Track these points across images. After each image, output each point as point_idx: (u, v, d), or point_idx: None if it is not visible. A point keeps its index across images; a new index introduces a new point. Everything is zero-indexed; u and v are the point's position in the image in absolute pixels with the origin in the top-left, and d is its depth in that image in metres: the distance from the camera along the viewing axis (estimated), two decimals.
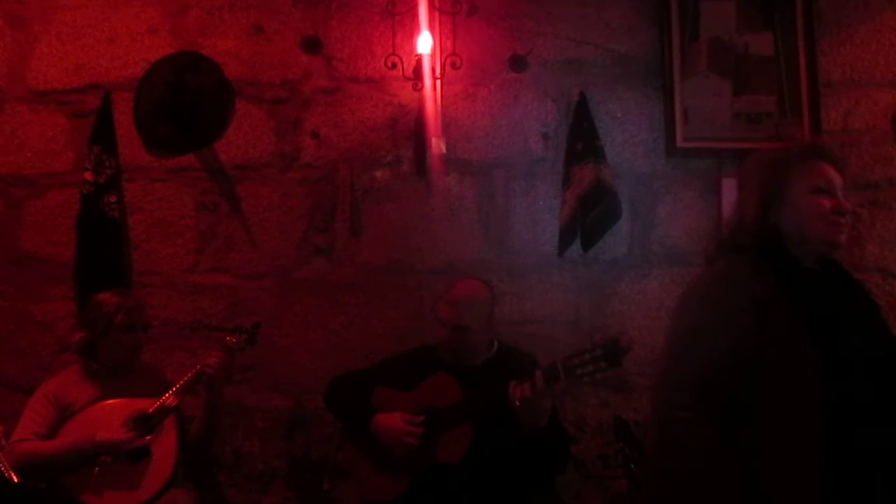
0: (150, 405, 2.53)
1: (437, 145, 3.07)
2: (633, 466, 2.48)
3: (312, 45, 3.16)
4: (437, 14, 3.07)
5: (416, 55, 3.02)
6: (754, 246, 1.71)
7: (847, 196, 1.73)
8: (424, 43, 2.99)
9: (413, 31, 3.05)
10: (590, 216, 2.95)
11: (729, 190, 3.11)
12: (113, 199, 3.04)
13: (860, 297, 1.74)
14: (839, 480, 1.51)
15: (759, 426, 1.59)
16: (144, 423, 2.50)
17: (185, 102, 3.09)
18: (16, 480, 2.16)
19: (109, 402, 2.56)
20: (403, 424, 2.44)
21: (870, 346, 1.62)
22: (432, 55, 3.03)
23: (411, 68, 3.04)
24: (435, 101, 3.07)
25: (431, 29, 3.02)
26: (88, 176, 3.02)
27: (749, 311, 1.61)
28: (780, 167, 1.75)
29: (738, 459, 1.58)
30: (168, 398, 2.54)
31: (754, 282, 1.64)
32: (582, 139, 3.02)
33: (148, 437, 2.49)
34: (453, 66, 3.06)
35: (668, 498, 1.63)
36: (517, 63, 3.13)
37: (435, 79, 3.05)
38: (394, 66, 3.06)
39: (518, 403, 2.26)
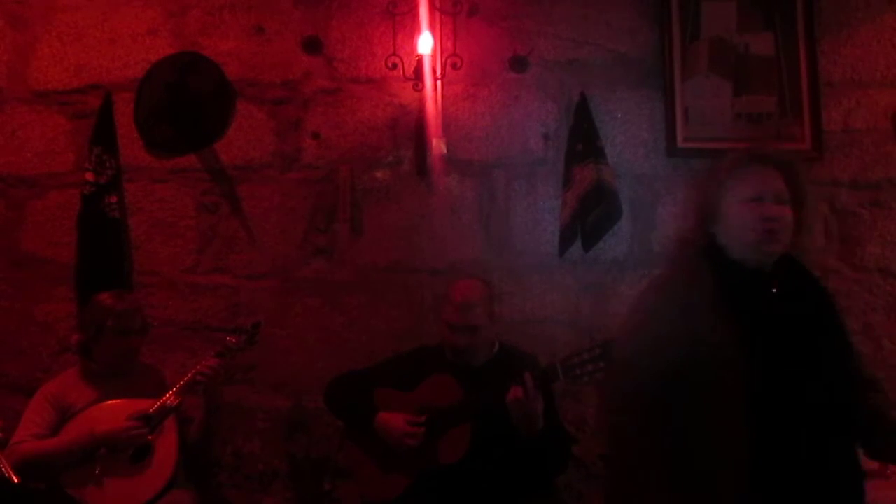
0: (151, 406, 2.53)
1: (437, 146, 3.07)
2: None
3: (313, 45, 3.16)
4: (437, 14, 3.07)
5: (417, 55, 3.02)
6: (697, 254, 1.76)
7: (799, 197, 1.75)
8: (425, 43, 2.99)
9: (414, 31, 3.05)
10: (590, 216, 2.94)
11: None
12: (114, 199, 3.04)
13: (806, 296, 1.77)
14: (764, 479, 1.57)
15: (692, 427, 1.64)
16: (146, 423, 2.50)
17: (185, 103, 3.09)
18: (16, 481, 2.16)
19: (110, 402, 2.56)
20: (405, 425, 2.45)
21: (799, 348, 1.66)
22: (433, 55, 3.03)
23: (412, 69, 3.04)
24: (435, 101, 3.07)
25: (432, 29, 3.02)
26: (89, 176, 3.02)
27: (683, 319, 1.66)
28: (714, 179, 1.79)
29: (675, 457, 1.64)
30: (169, 398, 2.54)
31: (690, 289, 1.70)
32: (582, 139, 3.02)
33: (149, 436, 2.49)
34: (454, 66, 3.06)
35: (620, 493, 1.74)
36: (518, 63, 3.13)
37: (435, 79, 3.05)
38: (394, 66, 3.06)
39: (510, 405, 2.27)
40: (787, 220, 1.72)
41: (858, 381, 1.72)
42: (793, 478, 1.61)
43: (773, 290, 1.72)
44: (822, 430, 1.64)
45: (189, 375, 2.60)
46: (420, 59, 3.01)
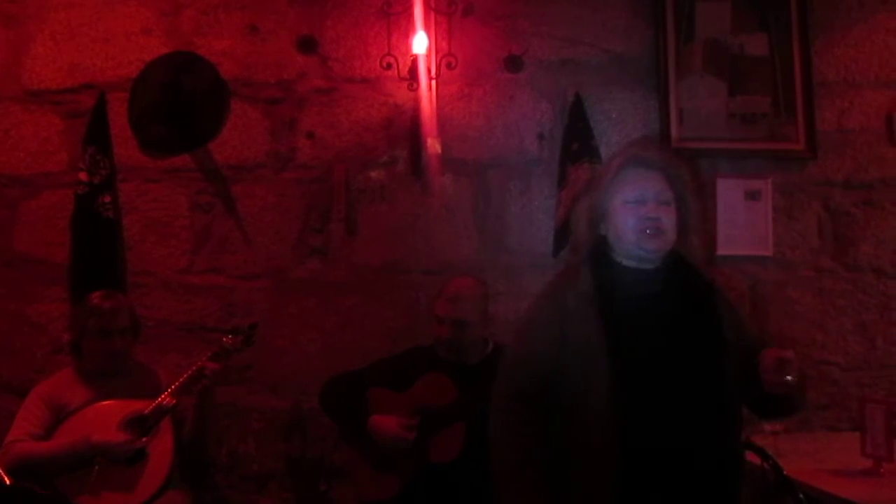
0: (146, 406, 2.52)
1: (432, 145, 3.07)
2: None
3: (308, 45, 3.15)
4: (432, 14, 3.07)
5: (412, 55, 3.02)
6: (588, 255, 1.84)
7: (669, 200, 1.79)
8: (420, 43, 2.98)
9: (408, 31, 3.04)
10: None
11: (724, 190, 3.12)
12: (107, 199, 3.02)
13: (688, 294, 1.81)
14: (630, 481, 1.64)
15: (566, 427, 1.73)
16: (140, 425, 2.49)
17: (179, 102, 3.08)
18: (8, 482, 2.15)
19: (104, 403, 2.55)
20: (398, 428, 2.46)
21: (669, 344, 1.72)
22: (428, 55, 3.02)
23: (407, 68, 3.04)
24: (430, 101, 3.07)
25: (427, 29, 3.02)
26: (83, 176, 3.01)
27: (558, 320, 1.76)
28: (600, 182, 1.87)
29: (553, 457, 1.73)
30: (164, 399, 2.53)
31: (568, 291, 1.79)
32: (577, 139, 3.03)
33: (144, 440, 2.48)
34: (449, 66, 3.06)
35: (497, 489, 1.78)
36: (513, 63, 3.13)
37: (430, 79, 3.05)
38: (389, 66, 3.06)
39: None
40: (668, 219, 1.78)
41: (743, 375, 1.75)
42: (665, 472, 1.67)
43: (655, 287, 1.78)
44: (699, 425, 1.69)
45: (185, 376, 2.58)
46: (415, 59, 3.01)
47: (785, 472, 2.03)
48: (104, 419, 2.49)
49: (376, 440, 2.48)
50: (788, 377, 1.64)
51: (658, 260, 1.80)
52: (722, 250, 3.10)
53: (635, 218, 1.76)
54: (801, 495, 2.06)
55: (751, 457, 2.01)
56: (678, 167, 1.86)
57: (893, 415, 2.33)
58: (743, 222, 3.12)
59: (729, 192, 3.12)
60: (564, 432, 1.74)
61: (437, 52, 3.06)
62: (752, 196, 3.13)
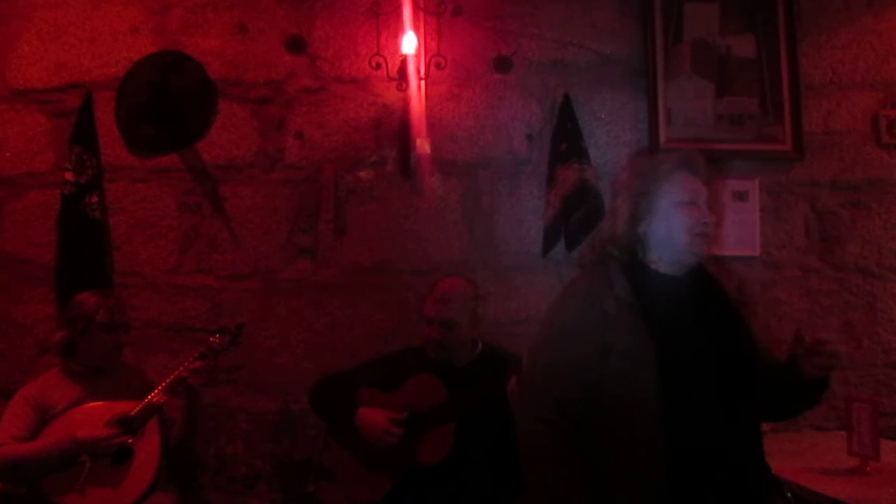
0: (133, 407, 2.50)
1: (421, 146, 3.07)
2: None
3: (297, 44, 3.14)
4: (421, 14, 3.07)
5: (401, 55, 3.01)
6: (620, 255, 1.82)
7: (712, 207, 1.84)
8: (409, 43, 2.98)
9: (398, 31, 3.04)
10: (574, 217, 2.96)
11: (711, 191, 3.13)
12: (94, 199, 3.01)
13: (715, 302, 1.83)
14: (678, 483, 1.63)
15: (607, 433, 1.71)
16: (127, 426, 2.48)
17: (167, 102, 3.07)
18: None
19: (91, 404, 2.53)
20: (386, 421, 2.46)
21: (710, 351, 1.72)
22: (417, 55, 3.02)
23: (396, 68, 3.04)
24: (419, 101, 3.07)
25: (416, 29, 3.02)
26: (69, 176, 2.99)
27: (600, 326, 1.72)
28: (651, 178, 1.84)
29: (589, 465, 1.70)
30: (152, 399, 2.52)
31: (607, 296, 1.75)
32: (566, 140, 3.03)
33: (131, 440, 2.47)
34: (438, 66, 3.06)
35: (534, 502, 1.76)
36: (502, 64, 3.14)
37: (419, 79, 3.05)
38: (378, 66, 3.05)
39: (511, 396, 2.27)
40: (712, 226, 1.81)
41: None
42: (708, 468, 1.67)
43: (684, 293, 1.79)
44: (738, 429, 1.71)
45: (172, 377, 2.57)
46: (404, 59, 3.01)
47: (773, 471, 2.04)
48: (91, 419, 2.47)
49: (363, 433, 2.48)
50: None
51: (691, 265, 1.82)
52: (710, 250, 3.10)
53: (692, 220, 1.77)
54: (789, 494, 2.08)
55: None
56: (712, 176, 1.89)
57: (879, 414, 2.36)
58: (730, 223, 3.13)
59: (717, 193, 3.13)
60: (605, 443, 1.71)
61: (426, 53, 3.06)
62: (740, 197, 3.15)
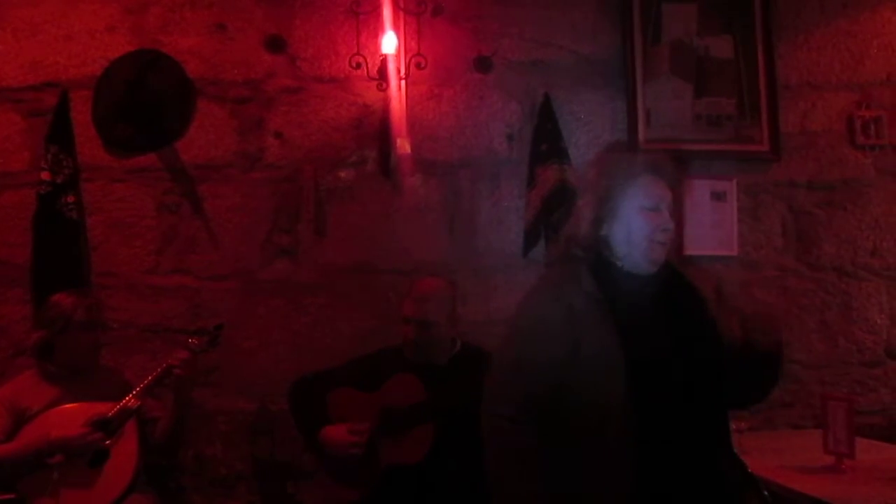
0: (110, 409, 2.48)
1: (401, 146, 3.06)
2: None
3: (276, 44, 3.13)
4: (401, 14, 3.06)
5: (381, 55, 3.01)
6: (585, 255, 1.82)
7: (675, 212, 1.84)
8: (389, 43, 2.98)
9: (377, 31, 3.03)
10: (554, 217, 2.97)
11: (690, 191, 3.16)
12: (71, 199, 2.97)
13: (683, 298, 1.84)
14: (647, 481, 1.63)
15: (573, 429, 1.70)
16: (104, 427, 2.45)
17: (145, 101, 3.04)
18: None
19: (68, 406, 2.51)
20: (347, 436, 2.46)
21: (677, 347, 1.73)
22: (397, 55, 3.01)
23: (376, 68, 3.03)
24: (400, 101, 3.06)
25: (396, 29, 3.01)
26: (45, 176, 2.95)
27: (567, 321, 1.72)
28: (616, 180, 1.84)
29: (553, 465, 1.69)
30: (129, 401, 2.50)
31: (574, 293, 1.75)
32: (546, 140, 3.04)
33: (108, 441, 2.44)
34: (418, 66, 3.05)
35: (496, 500, 1.74)
36: (482, 64, 3.14)
37: (400, 79, 3.04)
38: (358, 66, 3.05)
39: None
40: (672, 231, 1.81)
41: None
42: (676, 461, 1.68)
43: (651, 290, 1.80)
44: (706, 426, 1.73)
45: (150, 378, 2.55)
46: (384, 59, 3.00)
47: (749, 469, 2.05)
48: (68, 421, 2.45)
49: (330, 452, 2.49)
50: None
51: (655, 267, 1.82)
52: (688, 250, 3.13)
53: (651, 226, 1.77)
54: (765, 492, 2.09)
55: None
56: (679, 179, 1.91)
57: (855, 412, 2.38)
58: (709, 222, 3.16)
59: (695, 193, 3.16)
60: (570, 439, 1.70)
61: (406, 53, 3.06)
62: (718, 197, 3.17)
